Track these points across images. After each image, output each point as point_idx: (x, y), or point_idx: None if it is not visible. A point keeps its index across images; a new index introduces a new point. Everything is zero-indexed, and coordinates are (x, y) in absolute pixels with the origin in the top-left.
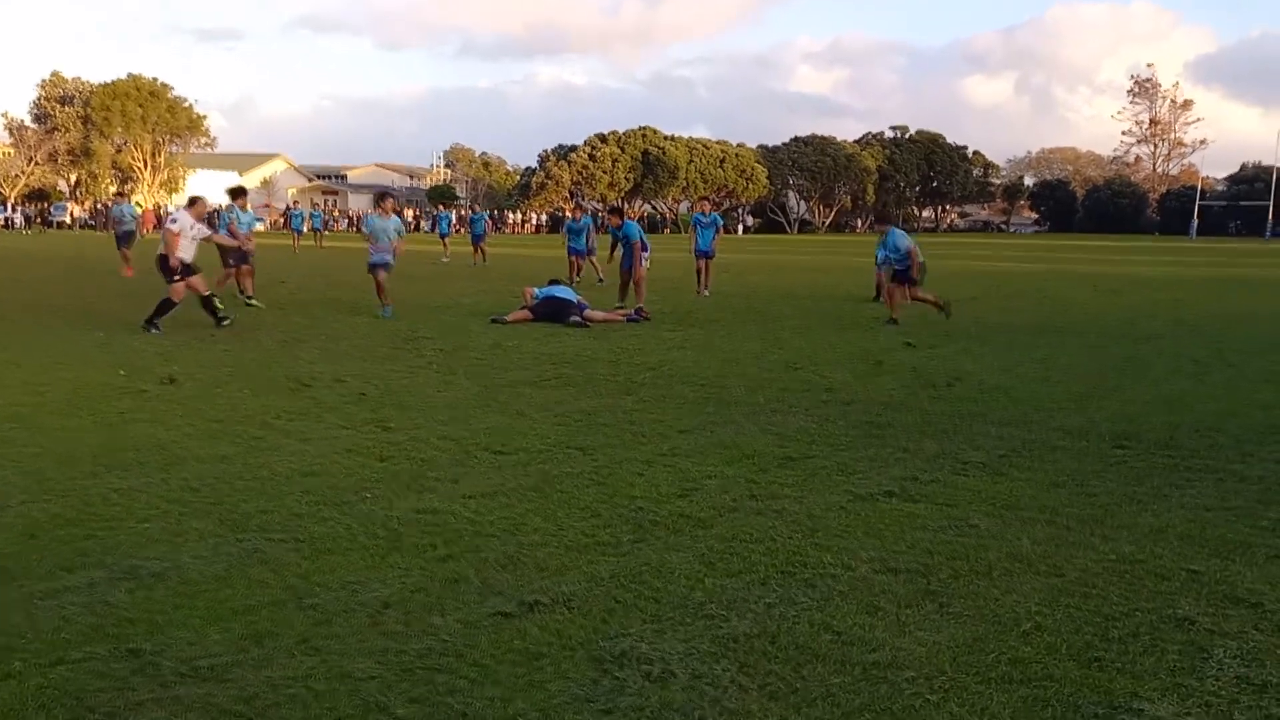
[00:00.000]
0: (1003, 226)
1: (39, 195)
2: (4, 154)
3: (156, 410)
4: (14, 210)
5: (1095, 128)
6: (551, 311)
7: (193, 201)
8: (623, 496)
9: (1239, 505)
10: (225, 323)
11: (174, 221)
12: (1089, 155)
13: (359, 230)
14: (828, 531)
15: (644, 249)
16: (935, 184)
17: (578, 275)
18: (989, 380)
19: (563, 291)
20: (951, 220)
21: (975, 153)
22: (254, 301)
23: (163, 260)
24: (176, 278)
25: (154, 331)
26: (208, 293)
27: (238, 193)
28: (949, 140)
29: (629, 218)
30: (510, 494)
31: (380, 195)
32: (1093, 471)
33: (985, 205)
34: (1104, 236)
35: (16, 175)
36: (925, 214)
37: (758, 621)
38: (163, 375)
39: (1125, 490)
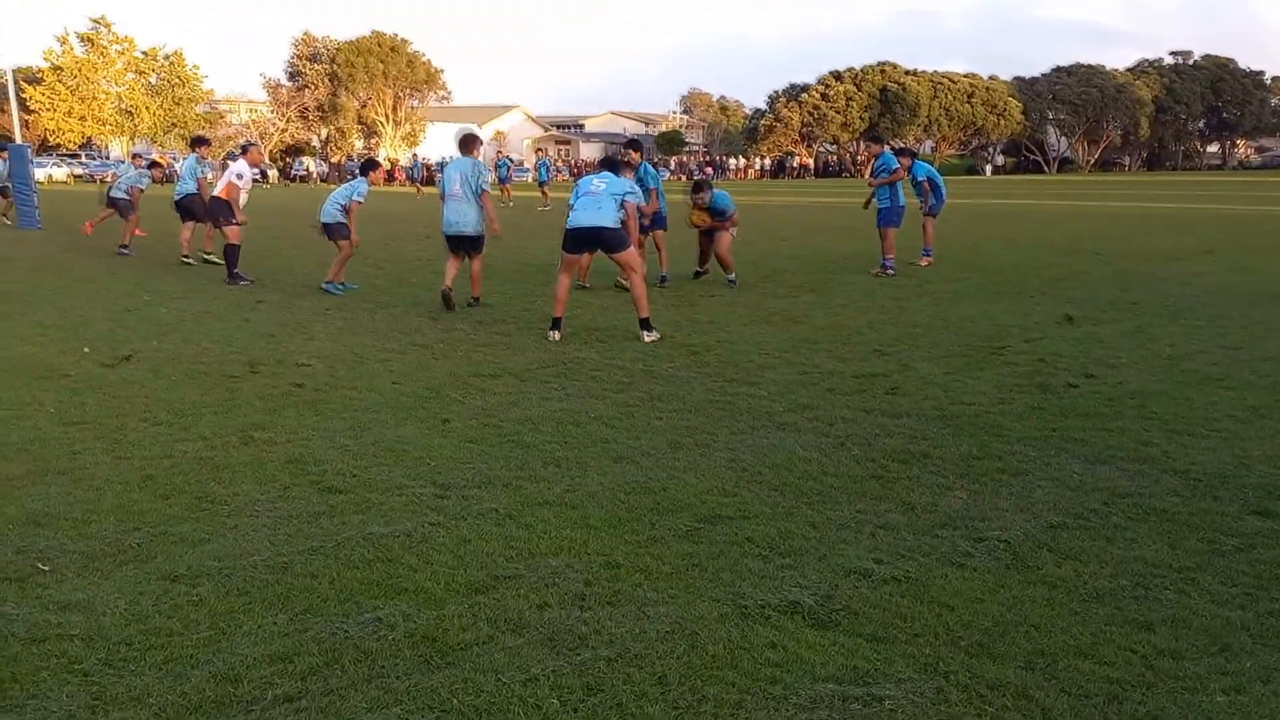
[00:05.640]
0: None
1: (294, 150)
2: (264, 114)
3: (29, 403)
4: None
5: None
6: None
7: (245, 149)
8: (385, 590)
9: None
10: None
11: (239, 176)
12: None
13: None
14: (593, 710)
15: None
16: (1223, 115)
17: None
18: (1132, 380)
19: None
20: (1247, 155)
21: (1275, 79)
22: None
23: (224, 205)
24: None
25: (243, 283)
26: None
27: (469, 140)
28: (1241, 65)
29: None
30: (231, 575)
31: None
32: (1180, 569)
33: None
34: None
35: (271, 132)
36: (1211, 149)
37: None
38: (122, 353)
39: (1215, 621)
